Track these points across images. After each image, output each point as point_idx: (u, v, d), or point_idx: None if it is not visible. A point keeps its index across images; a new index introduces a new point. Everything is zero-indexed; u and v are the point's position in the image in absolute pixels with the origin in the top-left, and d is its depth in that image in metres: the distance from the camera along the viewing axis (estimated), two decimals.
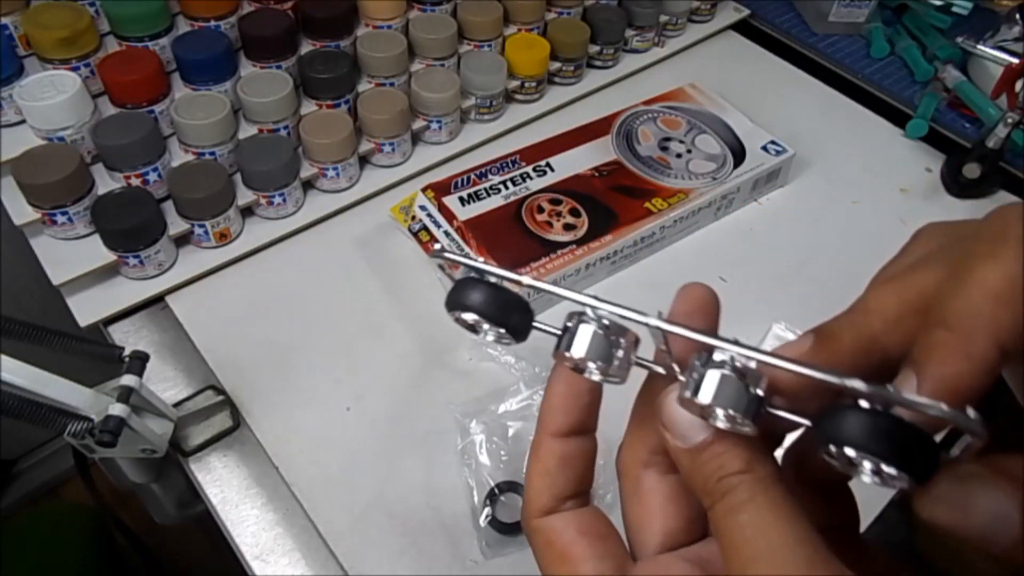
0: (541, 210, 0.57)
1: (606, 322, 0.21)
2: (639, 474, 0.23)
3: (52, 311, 0.62)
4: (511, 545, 0.44)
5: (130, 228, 0.51)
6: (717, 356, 0.19)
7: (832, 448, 0.18)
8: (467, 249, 0.55)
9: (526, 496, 0.23)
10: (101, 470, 0.47)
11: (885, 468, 0.17)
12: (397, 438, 0.48)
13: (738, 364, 0.19)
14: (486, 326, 0.22)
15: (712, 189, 0.60)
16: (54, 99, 0.53)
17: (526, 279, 0.22)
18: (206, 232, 0.55)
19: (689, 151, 0.63)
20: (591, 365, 0.21)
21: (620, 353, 0.21)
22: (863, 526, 0.52)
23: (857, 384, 0.17)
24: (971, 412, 0.17)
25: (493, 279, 0.22)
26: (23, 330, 0.39)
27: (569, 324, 0.22)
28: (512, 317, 0.22)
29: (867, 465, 0.17)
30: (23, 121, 0.55)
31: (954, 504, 0.18)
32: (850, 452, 0.17)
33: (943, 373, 0.17)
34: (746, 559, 0.18)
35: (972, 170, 0.67)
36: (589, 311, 0.21)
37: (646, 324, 0.21)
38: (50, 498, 1.16)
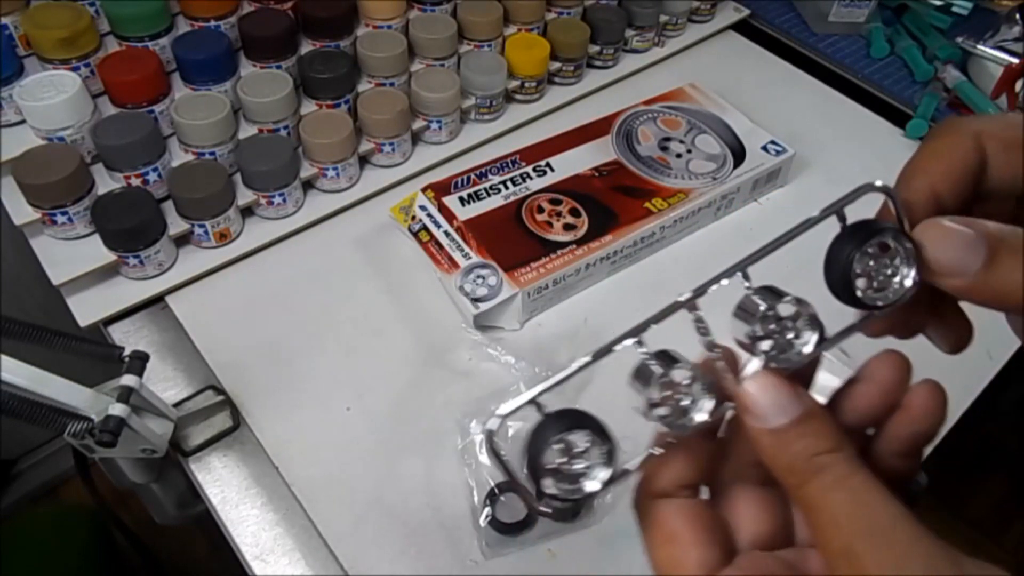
0: (541, 210, 0.57)
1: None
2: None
3: (52, 311, 0.62)
4: (511, 545, 0.44)
5: (130, 228, 0.51)
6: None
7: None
8: (467, 249, 0.55)
9: (645, 476, 0.24)
10: (101, 470, 0.47)
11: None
12: (397, 438, 0.48)
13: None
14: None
15: (712, 189, 0.60)
16: (54, 99, 0.53)
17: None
18: (206, 232, 0.55)
19: (689, 151, 0.63)
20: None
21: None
22: None
23: None
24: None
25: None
26: (23, 330, 0.39)
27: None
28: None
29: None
30: (23, 121, 0.55)
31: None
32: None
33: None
34: (849, 536, 0.19)
35: None
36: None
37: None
38: (50, 498, 1.16)
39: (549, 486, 0.22)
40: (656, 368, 0.22)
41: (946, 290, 0.21)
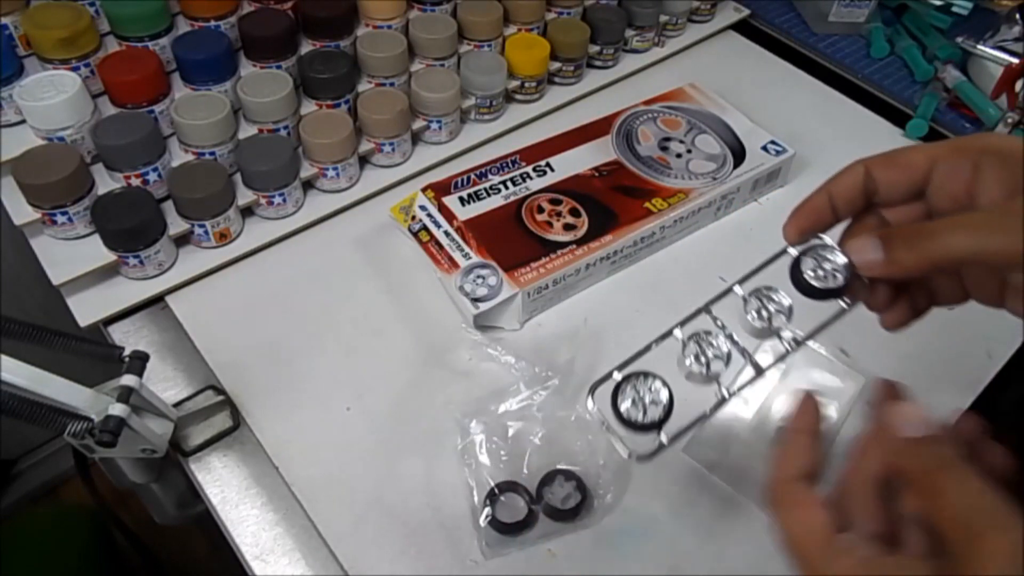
0: (541, 210, 0.57)
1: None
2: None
3: (52, 311, 0.62)
4: (511, 545, 0.44)
5: (130, 228, 0.51)
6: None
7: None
8: (467, 249, 0.55)
9: (775, 465, 0.31)
10: (101, 470, 0.47)
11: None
12: (397, 438, 0.48)
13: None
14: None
15: (712, 189, 0.60)
16: (54, 99, 0.53)
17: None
18: (206, 232, 0.55)
19: (689, 151, 0.63)
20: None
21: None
22: None
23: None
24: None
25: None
26: (23, 330, 0.39)
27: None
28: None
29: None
30: (23, 121, 0.55)
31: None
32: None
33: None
34: (977, 511, 0.24)
35: None
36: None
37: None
38: (50, 498, 1.16)
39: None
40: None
41: (873, 276, 0.32)
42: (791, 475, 0.30)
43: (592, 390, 0.36)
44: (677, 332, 0.36)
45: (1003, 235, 0.26)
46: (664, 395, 0.35)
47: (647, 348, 0.36)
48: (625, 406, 0.35)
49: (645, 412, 0.34)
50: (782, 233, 0.34)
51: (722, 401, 0.35)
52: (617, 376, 0.35)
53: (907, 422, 0.28)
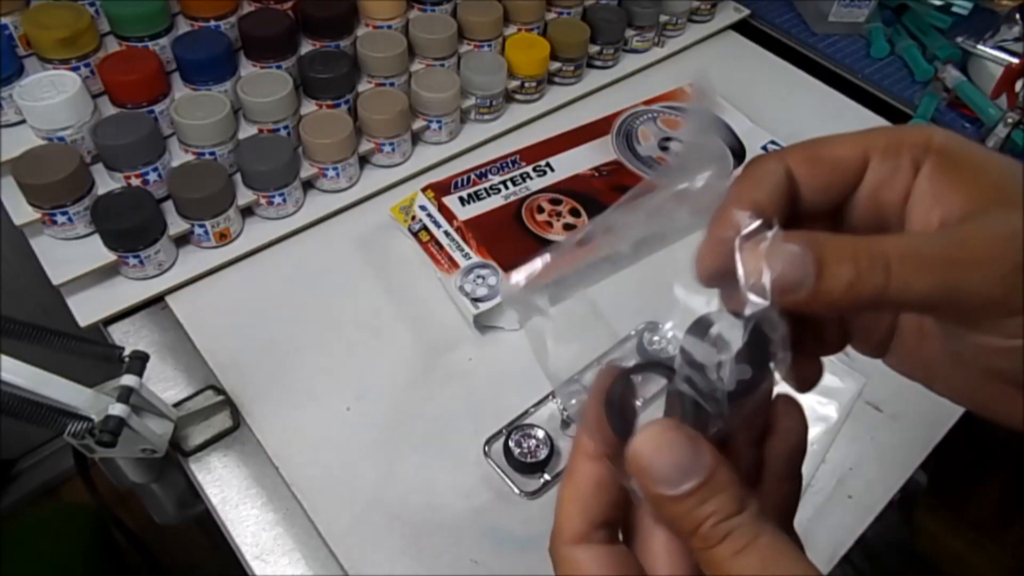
0: (541, 210, 0.57)
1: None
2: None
3: (52, 311, 0.62)
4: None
5: (130, 228, 0.51)
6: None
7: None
8: (467, 249, 0.55)
9: (557, 521, 0.23)
10: (101, 470, 0.47)
11: None
12: (397, 438, 0.48)
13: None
14: None
15: None
16: (54, 99, 0.53)
17: None
18: (206, 232, 0.55)
19: None
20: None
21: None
22: (863, 526, 0.52)
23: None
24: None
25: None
26: (23, 330, 0.39)
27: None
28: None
29: None
30: (23, 121, 0.55)
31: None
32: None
33: None
34: None
35: None
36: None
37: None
38: (50, 498, 1.16)
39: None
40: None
41: (794, 308, 0.20)
42: (574, 531, 0.23)
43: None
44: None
45: (981, 272, 0.19)
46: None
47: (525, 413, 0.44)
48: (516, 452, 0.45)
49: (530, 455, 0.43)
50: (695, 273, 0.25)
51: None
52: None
53: (660, 472, 0.20)
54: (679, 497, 0.20)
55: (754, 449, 0.24)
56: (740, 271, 0.21)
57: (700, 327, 0.22)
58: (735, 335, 0.22)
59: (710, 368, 0.22)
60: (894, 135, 0.23)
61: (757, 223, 0.21)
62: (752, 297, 0.20)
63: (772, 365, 0.22)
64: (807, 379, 0.26)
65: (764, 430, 0.24)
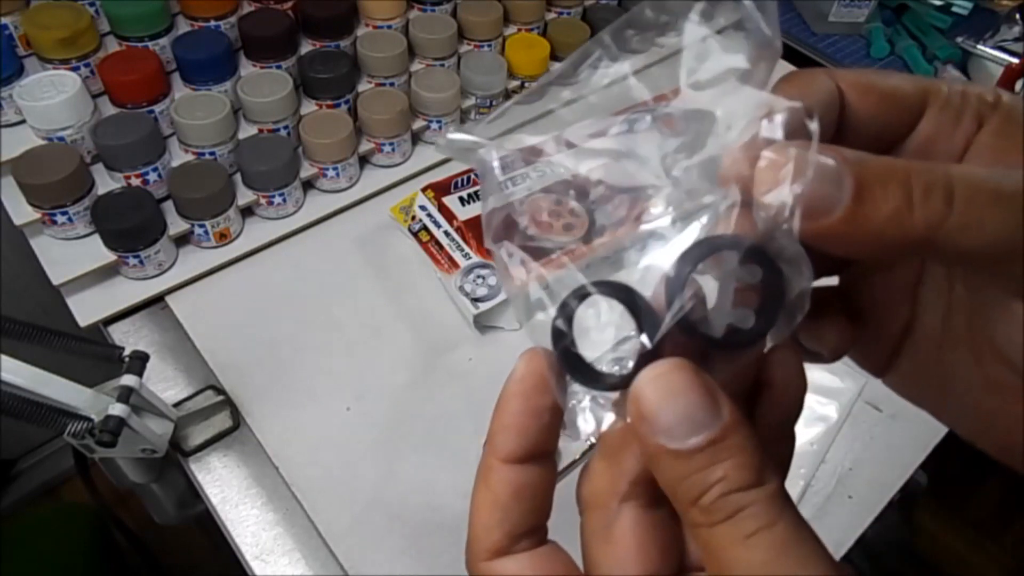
0: (541, 210, 0.57)
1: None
2: (613, 508, 0.19)
3: (52, 311, 0.62)
4: None
5: (130, 228, 0.51)
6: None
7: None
8: (467, 249, 0.55)
9: (472, 533, 0.20)
10: (101, 470, 0.47)
11: None
12: (397, 438, 0.48)
13: None
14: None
15: None
16: (54, 99, 0.52)
17: None
18: (206, 232, 0.55)
19: None
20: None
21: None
22: (863, 526, 0.51)
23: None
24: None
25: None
26: (23, 330, 0.39)
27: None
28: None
29: None
30: (23, 121, 0.55)
31: None
32: None
33: None
34: None
35: None
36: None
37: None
38: (50, 498, 1.16)
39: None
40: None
41: (804, 238, 0.17)
42: (495, 543, 0.20)
43: None
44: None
45: None
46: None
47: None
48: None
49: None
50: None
51: None
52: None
53: (665, 421, 0.16)
54: (685, 453, 0.16)
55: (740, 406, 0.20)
56: (756, 180, 0.16)
57: (696, 253, 0.18)
58: (733, 268, 0.17)
59: (697, 307, 0.17)
60: (958, 86, 0.20)
61: (794, 114, 0.17)
62: (765, 215, 0.16)
63: (780, 315, 0.18)
64: (834, 342, 0.21)
65: (753, 385, 0.20)
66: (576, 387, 0.19)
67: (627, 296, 0.18)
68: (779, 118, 0.17)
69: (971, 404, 0.20)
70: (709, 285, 0.18)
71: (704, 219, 0.18)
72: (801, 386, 0.20)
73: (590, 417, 0.19)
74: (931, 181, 0.15)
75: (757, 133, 0.17)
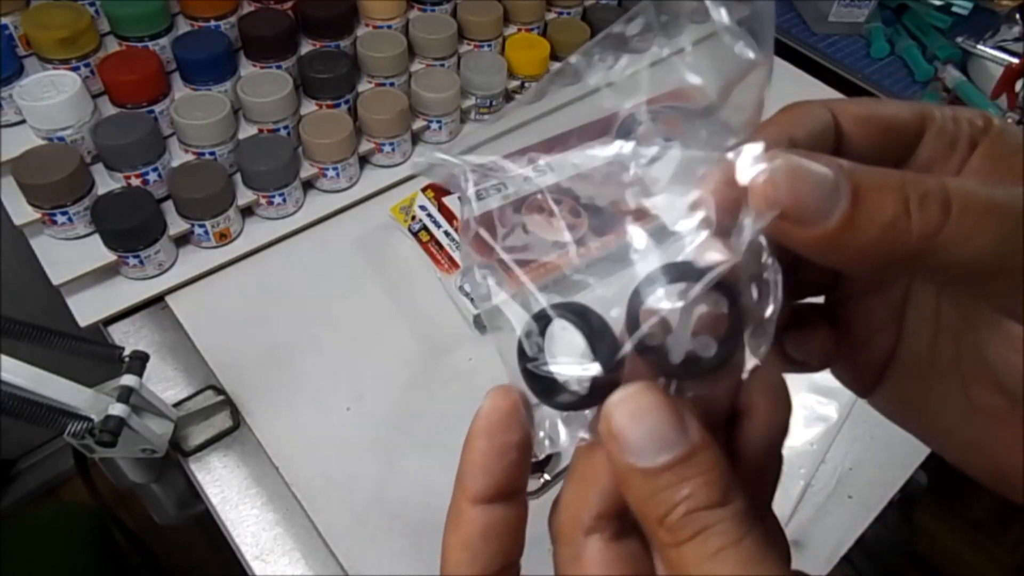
0: (541, 210, 0.57)
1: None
2: (580, 540, 0.19)
3: (52, 311, 0.62)
4: None
5: (130, 228, 0.51)
6: None
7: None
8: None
9: (444, 572, 0.20)
10: (101, 470, 0.47)
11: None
12: (397, 438, 0.48)
13: None
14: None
15: None
16: (54, 99, 0.52)
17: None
18: (206, 232, 0.55)
19: None
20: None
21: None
22: (863, 526, 0.51)
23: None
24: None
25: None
26: (23, 330, 0.39)
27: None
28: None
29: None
30: (23, 121, 0.55)
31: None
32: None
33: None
34: None
35: None
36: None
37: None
38: (50, 498, 1.16)
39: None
40: None
41: (797, 247, 0.16)
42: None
43: None
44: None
45: None
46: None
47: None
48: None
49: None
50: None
51: None
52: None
53: (635, 440, 0.17)
54: (653, 471, 0.16)
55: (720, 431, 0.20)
56: (751, 194, 0.16)
57: (658, 279, 0.18)
58: (696, 295, 0.17)
59: (657, 333, 0.17)
60: (951, 110, 0.20)
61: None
62: (737, 239, 0.16)
63: (740, 344, 0.17)
64: (820, 351, 0.21)
65: (731, 412, 0.20)
66: (544, 409, 0.19)
67: (582, 320, 0.18)
68: (753, 149, 0.17)
69: (958, 429, 0.20)
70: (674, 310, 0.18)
71: (681, 240, 0.18)
72: (784, 410, 0.20)
73: (558, 433, 0.19)
74: (927, 190, 0.15)
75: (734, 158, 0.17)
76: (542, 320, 0.19)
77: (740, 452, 0.20)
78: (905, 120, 0.19)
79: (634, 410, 0.17)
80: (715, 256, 0.17)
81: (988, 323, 0.18)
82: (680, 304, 0.17)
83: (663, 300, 0.17)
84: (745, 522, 0.16)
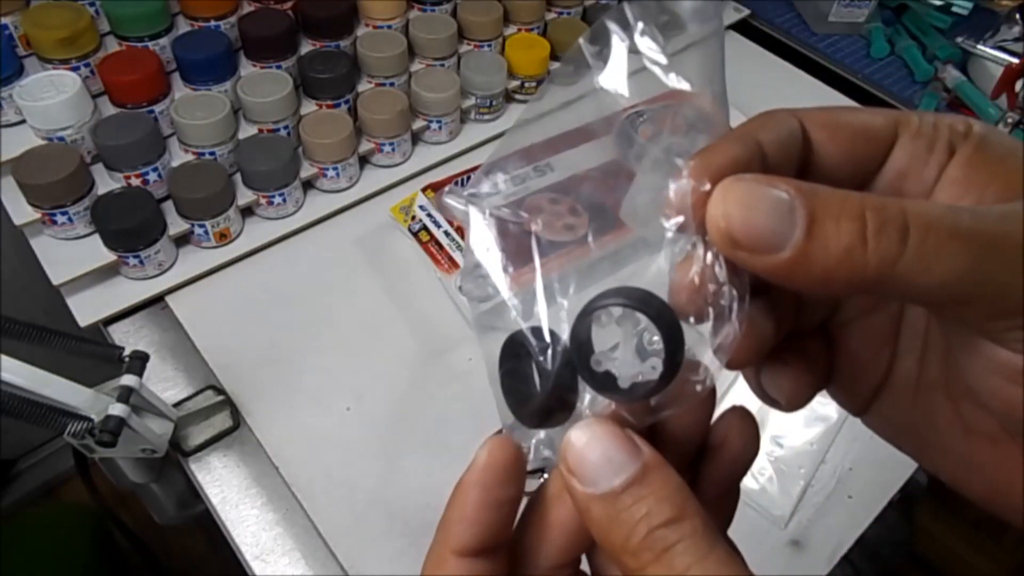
0: (540, 210, 0.57)
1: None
2: None
3: (52, 311, 0.62)
4: None
5: (130, 228, 0.51)
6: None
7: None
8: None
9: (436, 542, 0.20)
10: (101, 470, 0.47)
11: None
12: (397, 438, 0.48)
13: None
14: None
15: None
16: (54, 99, 0.52)
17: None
18: (206, 232, 0.55)
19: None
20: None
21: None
22: (863, 526, 0.52)
23: None
24: None
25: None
26: (23, 330, 0.39)
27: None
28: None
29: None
30: (23, 121, 0.55)
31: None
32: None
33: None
34: None
35: None
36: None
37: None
38: (50, 498, 1.17)
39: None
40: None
41: (756, 273, 0.16)
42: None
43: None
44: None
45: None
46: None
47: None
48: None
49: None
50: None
51: None
52: None
53: (589, 467, 0.17)
54: (610, 496, 0.16)
55: (686, 471, 0.20)
56: (708, 216, 0.16)
57: (600, 303, 0.18)
58: (640, 320, 0.18)
59: (595, 360, 0.18)
60: (929, 115, 0.19)
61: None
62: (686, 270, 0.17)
63: (671, 369, 0.17)
64: (788, 393, 0.21)
65: (700, 448, 0.20)
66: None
67: (518, 344, 0.19)
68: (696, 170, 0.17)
69: (952, 450, 0.20)
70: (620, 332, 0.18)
71: (641, 260, 0.19)
72: (754, 448, 0.20)
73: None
74: (886, 217, 0.15)
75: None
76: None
77: (701, 485, 0.20)
78: (877, 127, 0.19)
79: (588, 440, 0.17)
80: (657, 279, 0.18)
81: (965, 343, 0.18)
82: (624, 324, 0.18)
83: (603, 326, 0.18)
84: (708, 538, 0.16)
